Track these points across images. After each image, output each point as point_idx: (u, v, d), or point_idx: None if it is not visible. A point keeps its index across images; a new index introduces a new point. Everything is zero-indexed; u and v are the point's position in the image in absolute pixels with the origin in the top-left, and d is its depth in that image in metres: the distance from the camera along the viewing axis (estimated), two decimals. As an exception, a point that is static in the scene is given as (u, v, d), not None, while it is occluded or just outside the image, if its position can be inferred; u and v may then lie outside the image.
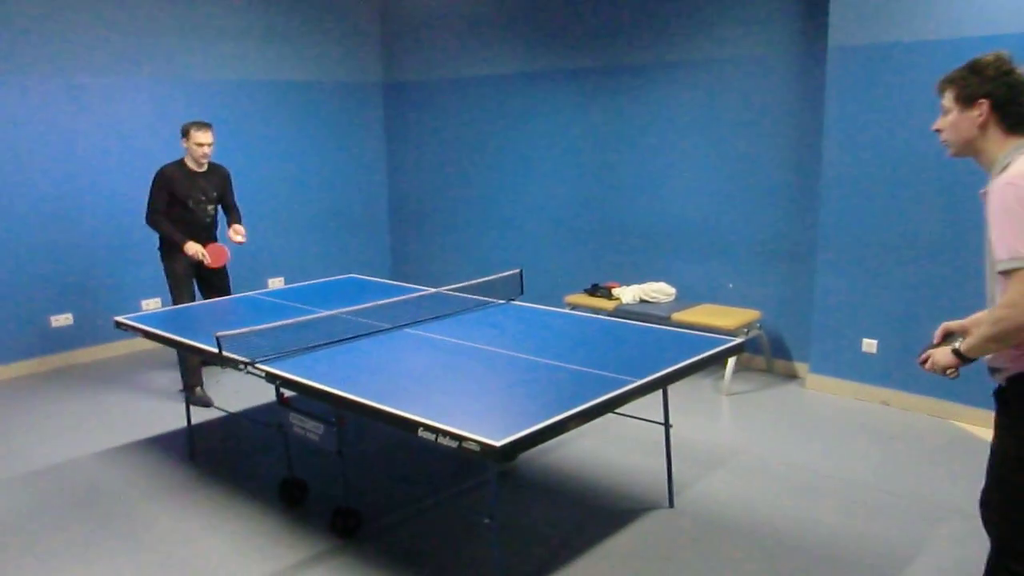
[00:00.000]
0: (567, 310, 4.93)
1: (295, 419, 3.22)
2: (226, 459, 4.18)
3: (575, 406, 2.54)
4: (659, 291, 5.39)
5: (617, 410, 2.73)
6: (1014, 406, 2.07)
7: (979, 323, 2.13)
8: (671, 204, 5.62)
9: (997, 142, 2.02)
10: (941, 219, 4.27)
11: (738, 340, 3.32)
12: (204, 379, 4.86)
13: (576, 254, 6.24)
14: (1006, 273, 1.87)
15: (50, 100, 5.49)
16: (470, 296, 4.18)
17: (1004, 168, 1.95)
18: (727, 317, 4.98)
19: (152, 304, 6.02)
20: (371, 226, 7.60)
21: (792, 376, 5.18)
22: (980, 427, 4.25)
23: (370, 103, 7.40)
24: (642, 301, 5.37)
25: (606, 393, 2.65)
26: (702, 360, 3.07)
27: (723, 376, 4.95)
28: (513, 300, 4.17)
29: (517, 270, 4.30)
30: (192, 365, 4.72)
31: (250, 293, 4.73)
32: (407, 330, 3.61)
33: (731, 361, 4.88)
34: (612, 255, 6.00)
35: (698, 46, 5.29)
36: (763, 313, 5.19)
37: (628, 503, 3.48)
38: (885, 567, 2.95)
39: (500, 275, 4.30)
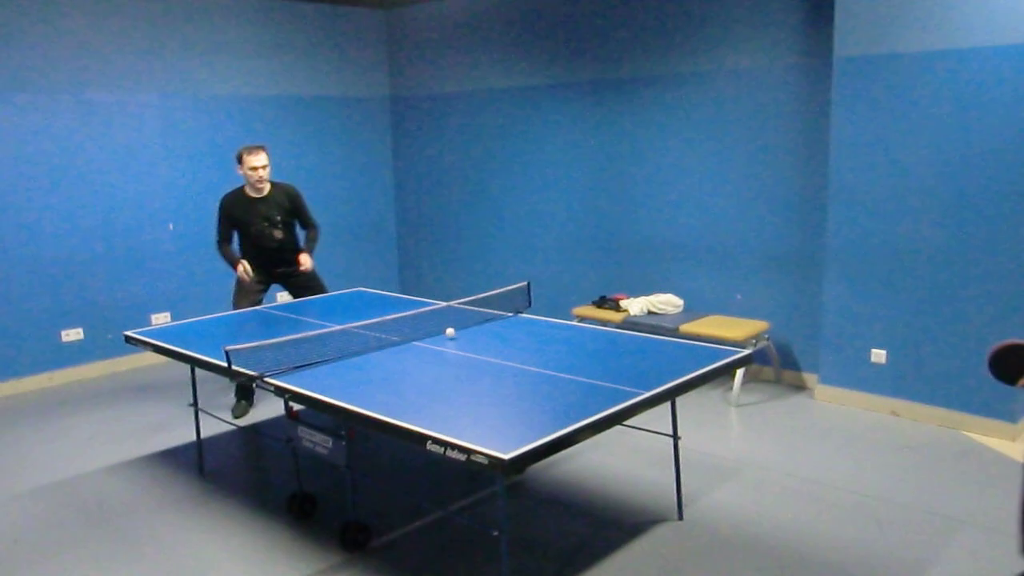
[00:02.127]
0: (575, 322, 4.93)
1: (304, 433, 3.22)
2: (235, 473, 4.19)
3: (583, 419, 2.54)
4: (667, 303, 5.39)
5: (625, 422, 2.73)
6: None
7: None
8: (678, 216, 5.62)
9: None
10: (948, 229, 4.27)
11: (746, 351, 3.31)
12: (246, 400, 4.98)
13: (583, 266, 6.24)
14: None
15: (59, 116, 5.54)
16: (478, 309, 4.18)
17: None
18: (735, 328, 4.97)
19: (162, 319, 6.06)
20: (379, 240, 7.62)
21: (801, 387, 5.16)
22: (990, 437, 4.23)
23: (377, 117, 7.44)
24: (650, 313, 5.37)
25: (614, 405, 2.65)
26: (710, 372, 3.07)
27: (732, 388, 4.93)
28: (521, 313, 4.17)
29: (525, 283, 4.31)
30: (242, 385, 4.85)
31: (259, 307, 4.75)
32: (415, 343, 3.62)
33: (740, 372, 4.87)
34: (620, 267, 6.01)
35: (704, 58, 5.31)
36: (771, 324, 5.18)
37: (637, 516, 3.47)
38: (897, 579, 2.93)
39: (508, 288, 4.31)
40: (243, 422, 4.67)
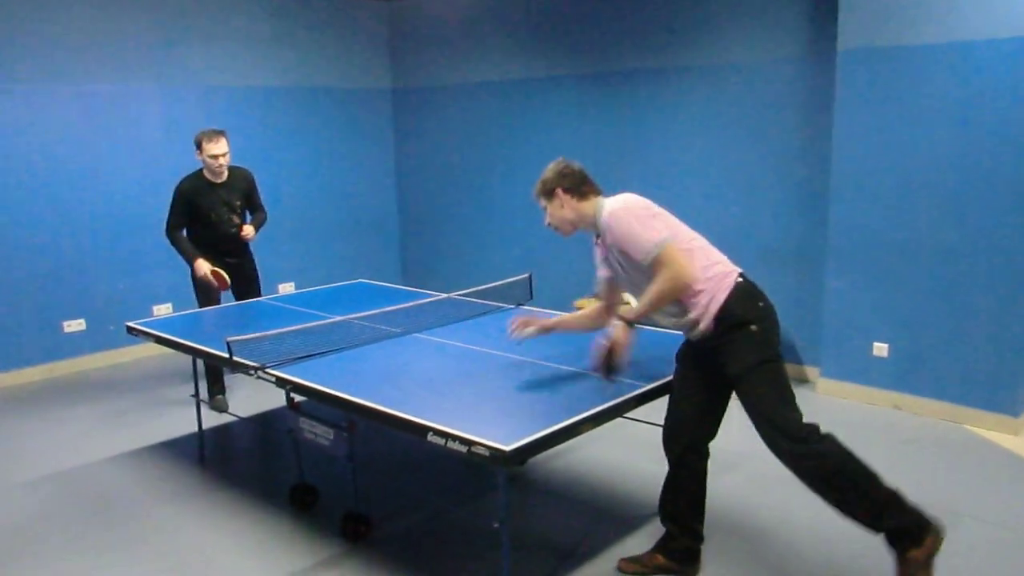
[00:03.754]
0: (576, 315, 4.92)
1: (305, 424, 3.23)
2: (237, 464, 4.20)
3: (585, 410, 2.55)
4: (669, 295, 5.37)
5: (627, 414, 2.73)
6: (726, 337, 2.70)
7: (572, 321, 3.33)
8: (679, 208, 5.54)
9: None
10: (951, 222, 4.25)
11: (748, 344, 3.29)
12: (225, 385, 4.90)
13: (586, 258, 6.22)
14: (654, 262, 2.68)
15: (61, 107, 5.53)
16: (480, 301, 4.18)
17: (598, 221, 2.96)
18: (737, 321, 4.96)
19: (164, 310, 6.06)
20: (381, 231, 7.62)
21: (803, 380, 5.16)
22: (992, 431, 4.22)
23: (379, 109, 7.43)
24: (652, 305, 5.35)
25: (616, 397, 2.66)
26: (712, 364, 3.05)
27: (733, 380, 4.92)
28: (523, 305, 4.17)
29: (527, 274, 4.31)
30: (215, 372, 4.75)
31: (261, 298, 4.75)
32: (416, 335, 3.62)
33: (741, 365, 4.85)
34: (621, 259, 5.99)
35: (706, 51, 5.29)
36: (773, 317, 5.16)
37: (638, 508, 3.47)
38: (897, 572, 2.93)
39: (510, 280, 4.30)
40: (244, 413, 4.67)
